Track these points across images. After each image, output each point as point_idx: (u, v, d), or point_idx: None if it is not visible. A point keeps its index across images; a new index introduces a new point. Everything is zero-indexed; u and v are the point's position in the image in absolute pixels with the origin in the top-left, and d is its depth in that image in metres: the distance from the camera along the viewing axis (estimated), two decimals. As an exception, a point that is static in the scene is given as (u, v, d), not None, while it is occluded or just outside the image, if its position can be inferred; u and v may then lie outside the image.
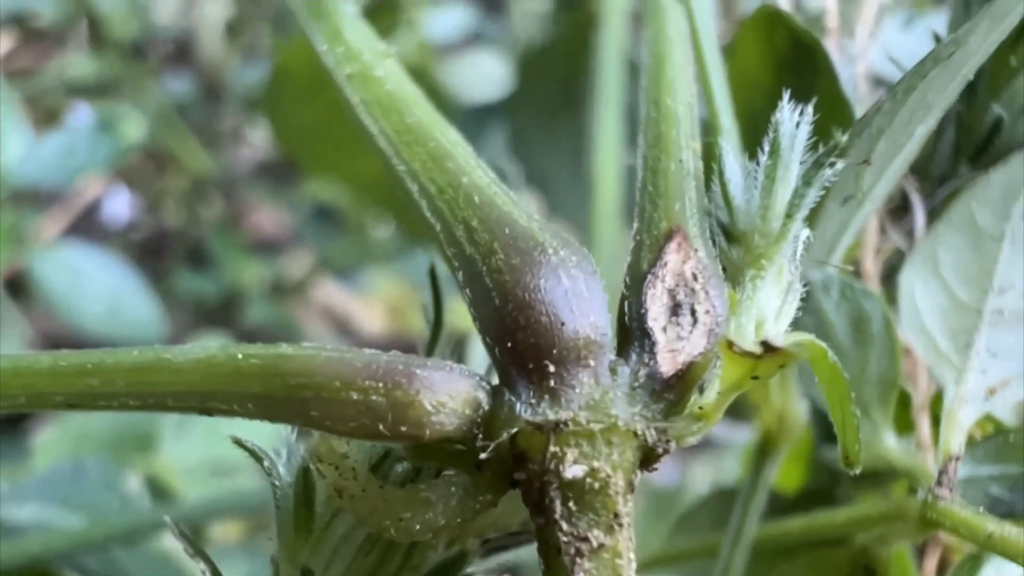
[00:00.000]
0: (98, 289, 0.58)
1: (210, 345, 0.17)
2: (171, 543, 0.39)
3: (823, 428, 0.31)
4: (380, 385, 0.16)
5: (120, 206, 0.86)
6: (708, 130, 0.29)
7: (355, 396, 0.16)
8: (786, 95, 0.20)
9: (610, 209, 0.40)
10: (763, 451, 0.29)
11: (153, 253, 0.97)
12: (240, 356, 0.17)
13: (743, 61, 0.33)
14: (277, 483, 0.19)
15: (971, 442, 0.28)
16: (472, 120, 0.58)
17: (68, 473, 0.38)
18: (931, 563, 0.28)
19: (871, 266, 0.31)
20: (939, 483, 0.25)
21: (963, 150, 0.33)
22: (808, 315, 0.28)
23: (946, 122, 0.33)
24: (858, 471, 0.20)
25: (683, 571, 0.33)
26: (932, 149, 0.33)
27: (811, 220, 0.26)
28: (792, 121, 0.20)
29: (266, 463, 0.18)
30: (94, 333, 0.58)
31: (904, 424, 0.29)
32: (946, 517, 0.25)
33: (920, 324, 0.28)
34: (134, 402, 0.17)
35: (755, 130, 0.25)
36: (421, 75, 0.75)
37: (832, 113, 0.29)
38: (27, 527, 0.36)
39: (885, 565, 0.27)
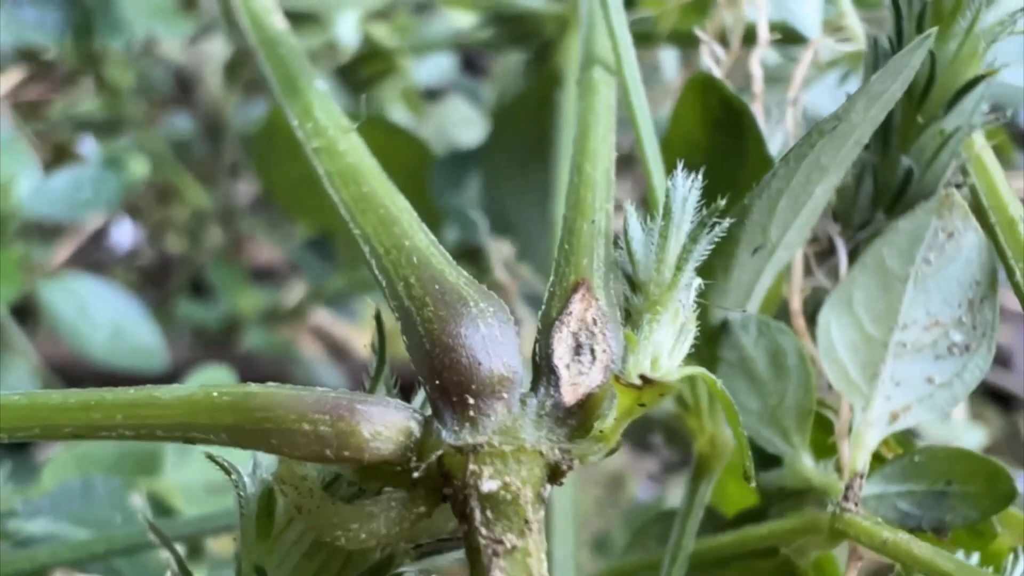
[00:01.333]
0: (102, 317, 0.62)
1: (191, 385, 0.21)
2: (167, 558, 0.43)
3: (756, 455, 0.35)
4: (327, 417, 0.19)
5: (123, 235, 0.90)
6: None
7: (307, 427, 0.19)
8: (679, 165, 0.24)
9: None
10: (698, 473, 0.32)
11: (155, 280, 1.01)
12: (215, 394, 0.20)
13: (683, 123, 0.38)
14: (243, 495, 0.22)
15: (882, 462, 0.31)
16: (450, 166, 0.62)
17: (77, 490, 0.41)
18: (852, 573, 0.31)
19: (797, 304, 0.35)
20: (845, 497, 0.29)
21: (880, 199, 0.36)
22: (731, 350, 0.31)
23: (864, 174, 0.36)
24: (753, 483, 0.24)
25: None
26: (853, 198, 0.37)
27: (726, 268, 0.30)
28: (684, 187, 0.24)
29: (234, 477, 0.22)
30: (98, 359, 0.61)
31: (826, 449, 0.33)
32: (851, 527, 0.28)
33: (834, 356, 0.32)
34: (129, 432, 0.21)
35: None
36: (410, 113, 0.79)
37: (757, 170, 0.33)
38: (38, 539, 0.39)
39: (805, 574, 0.31)
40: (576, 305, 0.22)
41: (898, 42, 0.34)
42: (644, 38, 0.54)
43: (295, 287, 0.97)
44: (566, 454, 0.20)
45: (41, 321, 0.79)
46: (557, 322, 0.21)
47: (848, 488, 0.29)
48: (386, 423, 0.20)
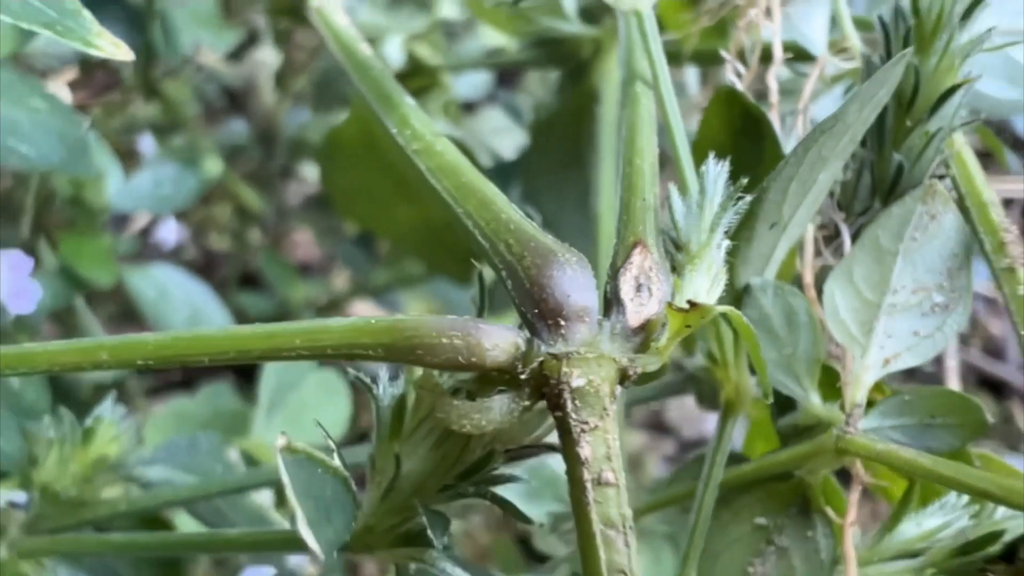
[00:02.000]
0: (180, 300, 0.71)
1: (355, 320, 0.29)
2: (261, 498, 0.51)
3: (777, 406, 0.43)
4: (460, 333, 0.28)
5: (168, 232, 0.99)
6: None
7: (444, 341, 0.28)
8: (711, 155, 0.32)
9: (610, 242, 0.52)
10: (725, 415, 0.40)
11: (200, 275, 1.11)
12: (373, 322, 0.29)
13: (709, 128, 0.46)
14: (380, 405, 0.30)
15: (877, 402, 0.39)
16: (495, 175, 0.71)
17: (184, 445, 0.50)
18: (854, 496, 0.39)
19: (809, 277, 0.43)
20: (847, 423, 0.37)
21: (877, 189, 0.44)
22: (752, 309, 0.39)
23: (864, 169, 0.45)
24: (771, 400, 0.32)
25: (675, 511, 0.44)
26: (855, 189, 0.45)
27: (748, 240, 0.38)
28: (715, 170, 0.32)
29: (374, 390, 0.30)
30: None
31: (833, 394, 0.41)
32: (851, 445, 0.36)
33: (838, 317, 0.40)
34: (306, 353, 0.29)
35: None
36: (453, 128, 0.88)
37: (774, 166, 0.41)
38: (155, 483, 0.48)
39: (816, 491, 0.39)
40: (636, 257, 0.30)
41: (888, 59, 0.43)
42: (670, 58, 0.63)
43: (337, 280, 1.06)
44: (632, 362, 0.28)
45: (98, 310, 0.88)
46: (623, 269, 0.29)
47: (848, 416, 0.37)
48: (501, 338, 0.28)
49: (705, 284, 0.30)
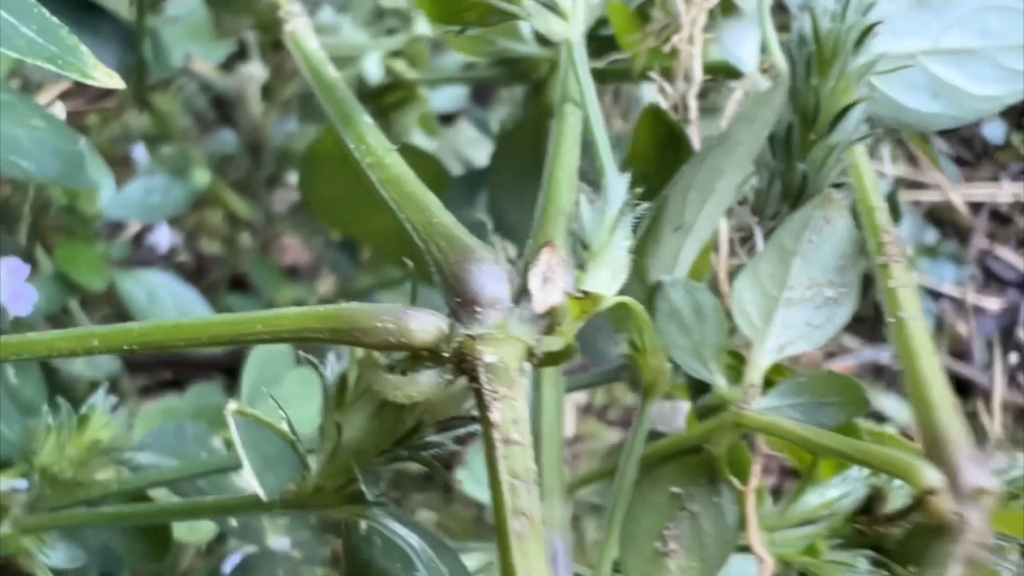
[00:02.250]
0: (168, 303, 0.77)
1: (306, 308, 0.35)
2: (241, 480, 0.57)
3: (695, 390, 0.48)
4: (392, 319, 0.34)
5: (161, 238, 1.05)
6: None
7: (379, 325, 0.34)
8: (615, 168, 0.38)
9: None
10: (645, 397, 0.46)
11: (192, 278, 1.17)
12: (321, 310, 0.34)
13: (639, 142, 0.52)
14: (326, 383, 0.36)
15: (774, 384, 0.45)
16: (463, 183, 0.77)
17: (172, 432, 0.56)
18: (756, 467, 0.45)
19: (723, 275, 0.49)
20: (744, 401, 0.43)
21: (786, 196, 0.50)
22: (664, 302, 0.45)
23: (774, 178, 0.51)
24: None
25: (603, 484, 0.49)
26: (767, 196, 0.51)
27: (656, 242, 0.44)
28: (618, 181, 0.38)
29: (321, 370, 0.36)
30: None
31: (740, 376, 0.46)
32: (745, 419, 0.42)
33: (744, 309, 0.46)
34: (266, 337, 0.35)
35: (646, 186, 0.43)
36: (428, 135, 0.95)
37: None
38: (145, 466, 0.54)
39: (721, 462, 0.44)
40: (544, 255, 0.36)
41: (795, 79, 0.49)
42: (624, 75, 0.69)
43: (322, 284, 1.12)
44: (538, 342, 0.34)
45: (92, 312, 0.94)
46: (532, 265, 0.35)
47: (745, 394, 0.43)
48: (427, 322, 0.34)
49: (606, 278, 0.36)
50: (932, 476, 0.32)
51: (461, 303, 0.34)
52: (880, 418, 1.28)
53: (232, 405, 0.34)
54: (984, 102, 0.58)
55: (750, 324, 0.45)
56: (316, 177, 0.73)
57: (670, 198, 0.41)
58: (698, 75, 0.53)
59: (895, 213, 1.59)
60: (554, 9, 0.47)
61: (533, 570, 0.31)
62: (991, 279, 1.48)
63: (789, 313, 0.45)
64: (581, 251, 0.37)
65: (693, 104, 0.52)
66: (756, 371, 0.44)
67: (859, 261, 0.46)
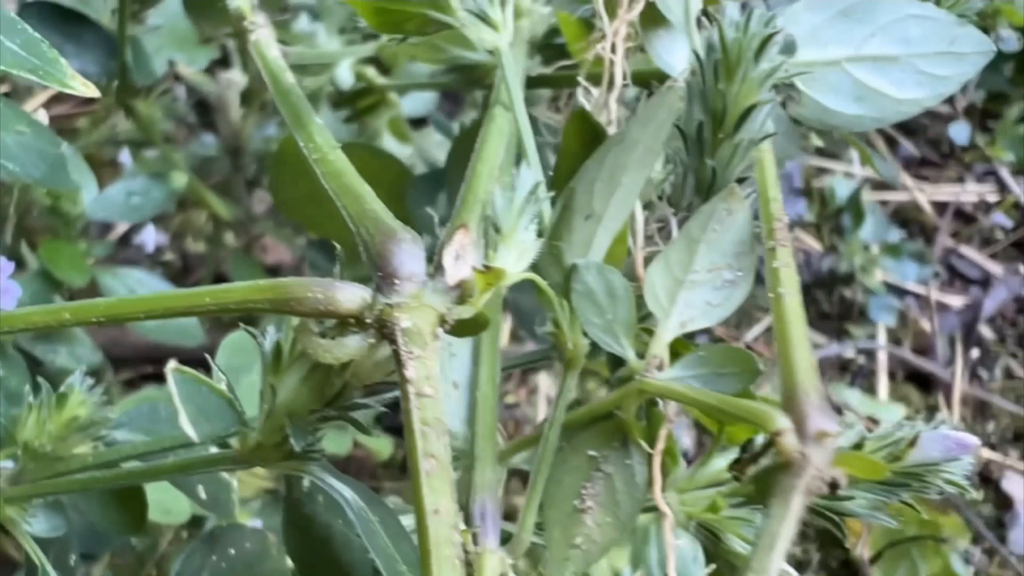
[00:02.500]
0: None
1: (248, 282, 0.41)
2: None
3: (612, 363, 0.54)
4: (321, 290, 0.39)
5: (147, 237, 1.11)
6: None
7: (310, 295, 0.39)
8: (523, 163, 0.44)
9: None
10: (566, 370, 0.52)
11: (177, 277, 1.23)
12: (262, 283, 0.40)
13: (569, 141, 0.58)
14: (264, 350, 0.42)
15: (678, 356, 0.50)
16: (424, 182, 0.83)
17: (146, 412, 0.62)
18: (663, 431, 0.51)
19: (640, 260, 0.55)
20: (646, 370, 0.48)
21: (699, 189, 0.56)
22: (579, 284, 0.51)
23: (688, 173, 0.57)
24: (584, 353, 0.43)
25: (532, 452, 0.55)
26: (682, 189, 0.57)
27: (569, 230, 0.49)
28: (527, 175, 0.44)
29: (259, 339, 0.42)
30: (148, 336, 0.82)
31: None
32: (646, 386, 0.48)
33: (653, 291, 0.51)
34: (214, 308, 0.41)
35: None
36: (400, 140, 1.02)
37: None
38: (119, 442, 0.60)
39: (631, 426, 0.50)
40: (458, 236, 0.42)
41: (704, 84, 0.55)
42: (570, 80, 0.75)
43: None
44: (449, 310, 0.40)
45: None
46: (447, 245, 0.41)
47: (648, 364, 0.49)
48: (353, 293, 0.40)
49: (513, 257, 0.42)
50: (781, 421, 0.38)
51: (383, 277, 0.40)
52: (841, 411, 1.34)
53: (172, 364, 0.40)
54: (904, 105, 0.65)
55: (658, 304, 0.51)
56: (283, 178, 0.79)
57: (577, 190, 0.47)
58: (619, 80, 0.59)
59: (858, 212, 1.66)
60: (485, 20, 0.54)
61: (440, 502, 0.37)
62: (955, 277, 1.54)
63: (691, 294, 0.51)
64: (494, 234, 0.43)
65: (614, 107, 0.58)
66: (660, 345, 0.49)
67: (755, 248, 0.52)
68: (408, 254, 0.40)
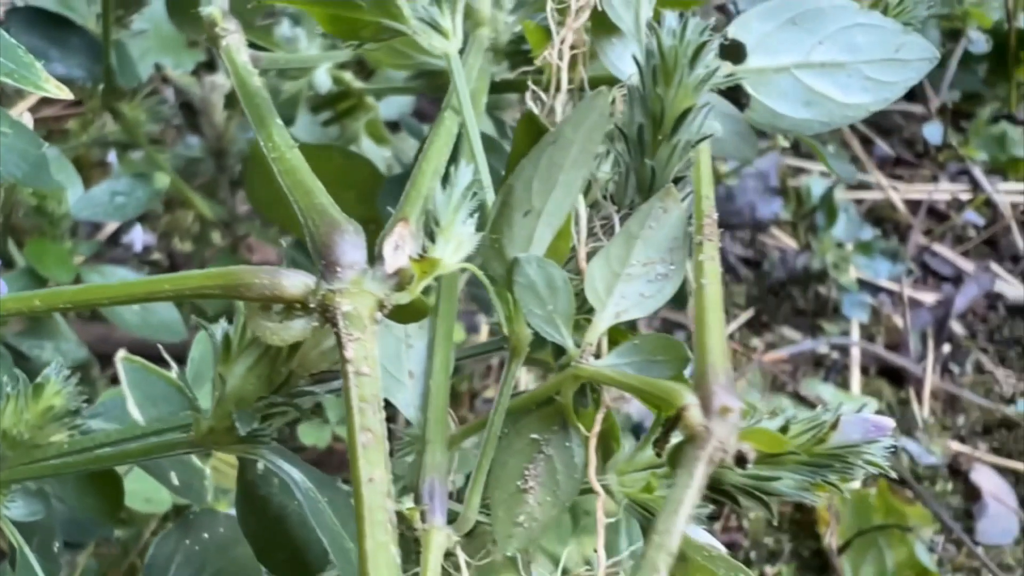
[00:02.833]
0: None
1: (202, 270, 0.44)
2: None
3: (553, 351, 0.58)
4: (268, 277, 0.43)
5: (136, 236, 1.15)
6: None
7: (257, 281, 0.43)
8: (463, 163, 0.48)
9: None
10: (511, 357, 0.56)
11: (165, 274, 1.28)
12: (214, 271, 0.44)
13: (519, 141, 0.61)
14: (215, 340, 0.46)
15: (615, 345, 0.54)
16: (395, 183, 0.87)
17: (121, 403, 0.66)
18: (599, 415, 0.54)
19: (582, 255, 0.58)
20: (581, 357, 0.52)
21: (639, 189, 0.60)
22: (521, 276, 0.54)
23: (629, 172, 0.60)
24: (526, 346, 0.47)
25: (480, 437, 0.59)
26: (624, 188, 0.61)
27: (509, 225, 0.53)
28: (465, 172, 0.47)
29: (211, 331, 0.46)
30: (131, 331, 0.85)
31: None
32: (580, 371, 0.51)
33: (593, 285, 0.55)
34: (172, 295, 0.44)
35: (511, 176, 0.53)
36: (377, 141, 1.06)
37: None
38: (95, 430, 0.64)
39: (569, 410, 0.54)
40: (398, 228, 0.45)
41: (643, 88, 0.58)
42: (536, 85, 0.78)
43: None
44: (387, 296, 0.44)
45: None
46: (388, 235, 0.45)
47: (582, 351, 0.52)
48: (297, 279, 0.43)
49: (451, 249, 0.46)
50: (688, 397, 0.41)
51: (326, 265, 0.44)
52: (814, 405, 1.38)
53: (121, 353, 0.44)
54: (851, 110, 0.69)
55: (596, 295, 0.54)
56: (257, 178, 0.83)
57: (515, 186, 0.51)
58: (564, 85, 0.62)
59: (831, 211, 1.70)
60: (436, 28, 0.57)
61: (374, 472, 0.40)
62: (928, 274, 1.58)
63: (627, 286, 0.54)
64: (434, 227, 0.47)
65: (559, 109, 0.61)
66: (595, 333, 0.53)
67: (687, 244, 0.55)
68: (350, 244, 0.44)
